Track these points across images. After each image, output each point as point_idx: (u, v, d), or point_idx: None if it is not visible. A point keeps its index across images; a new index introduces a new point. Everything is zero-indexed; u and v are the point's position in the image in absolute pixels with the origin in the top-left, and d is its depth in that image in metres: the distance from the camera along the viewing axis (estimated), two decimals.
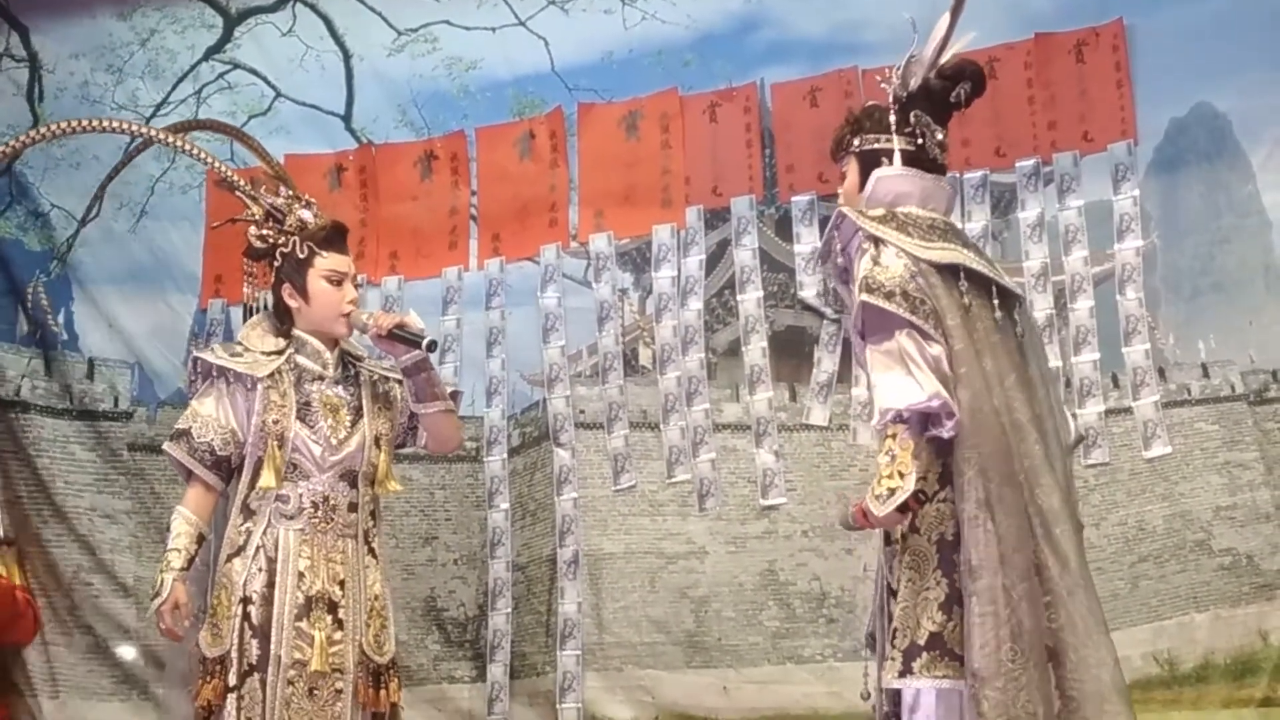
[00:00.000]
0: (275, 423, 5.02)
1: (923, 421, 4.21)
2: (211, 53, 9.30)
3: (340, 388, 5.15)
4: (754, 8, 8.59)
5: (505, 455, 8.62)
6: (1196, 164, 8.10)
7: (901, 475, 4.18)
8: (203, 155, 5.70)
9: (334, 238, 5.17)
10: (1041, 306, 7.66)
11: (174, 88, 9.29)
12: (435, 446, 5.46)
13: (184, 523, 5.09)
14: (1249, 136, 7.98)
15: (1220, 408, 7.95)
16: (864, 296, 4.31)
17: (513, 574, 8.55)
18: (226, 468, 5.12)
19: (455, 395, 5.53)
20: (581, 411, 8.56)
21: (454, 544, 8.82)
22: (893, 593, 4.48)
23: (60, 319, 9.20)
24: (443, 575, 8.81)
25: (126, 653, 8.63)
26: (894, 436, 4.22)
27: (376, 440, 5.13)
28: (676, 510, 8.38)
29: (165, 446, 5.20)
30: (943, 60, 4.69)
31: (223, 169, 5.61)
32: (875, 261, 4.38)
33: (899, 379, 4.24)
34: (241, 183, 5.39)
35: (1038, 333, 5.39)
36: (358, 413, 5.13)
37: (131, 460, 8.91)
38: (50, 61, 9.35)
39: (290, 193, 5.31)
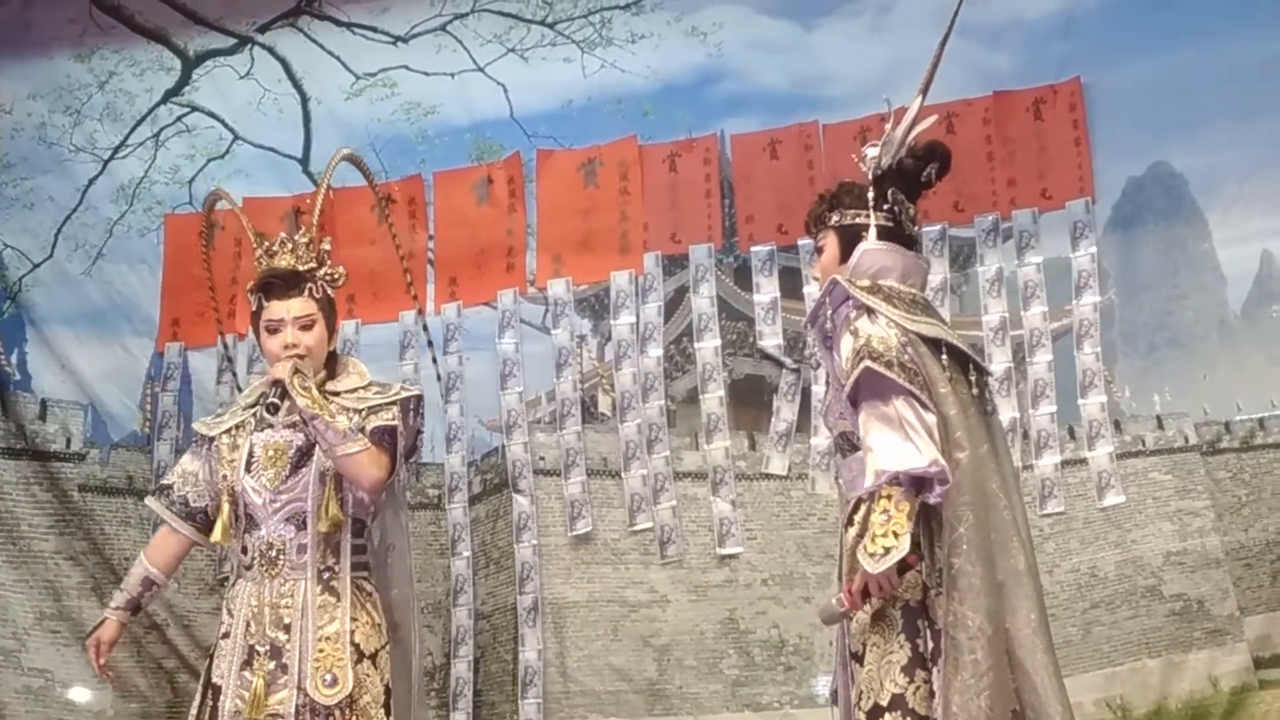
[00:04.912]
0: (224, 478, 5.02)
1: (915, 486, 4.27)
2: (170, 95, 9.25)
3: (291, 430, 5.00)
4: (715, 60, 8.61)
5: (466, 503, 8.57)
6: (1153, 222, 8.19)
7: (896, 535, 4.23)
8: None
9: (273, 285, 5.01)
10: (1000, 360, 7.77)
11: (132, 130, 9.24)
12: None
13: (137, 564, 5.21)
14: (1205, 195, 8.08)
15: (1174, 458, 8.04)
16: (867, 363, 4.37)
17: (477, 622, 8.51)
18: (204, 520, 5.13)
19: (383, 431, 5.01)
20: (541, 458, 8.52)
21: (418, 592, 8.65)
22: (853, 655, 4.55)
23: (14, 359, 9.12)
24: None
25: (78, 695, 8.57)
26: (889, 497, 4.28)
27: (322, 476, 4.95)
28: (639, 558, 8.36)
29: (147, 500, 5.31)
30: (911, 138, 4.79)
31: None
32: (869, 330, 4.45)
33: (897, 442, 4.30)
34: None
35: (998, 411, 5.48)
36: (305, 453, 4.97)
37: (82, 501, 8.83)
38: (7, 101, 9.28)
39: (270, 243, 5.13)
